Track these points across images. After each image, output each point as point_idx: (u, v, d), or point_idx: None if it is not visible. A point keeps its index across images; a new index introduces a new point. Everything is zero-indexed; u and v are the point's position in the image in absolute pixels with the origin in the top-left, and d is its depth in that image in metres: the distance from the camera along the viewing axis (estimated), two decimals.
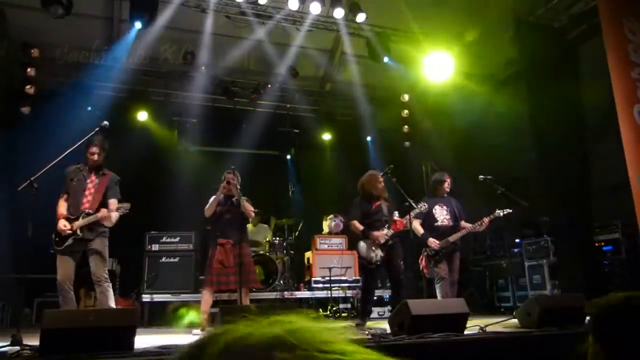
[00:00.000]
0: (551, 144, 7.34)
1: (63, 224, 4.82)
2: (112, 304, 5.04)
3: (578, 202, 7.16)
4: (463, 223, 6.30)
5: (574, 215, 7.12)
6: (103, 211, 4.91)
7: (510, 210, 6.14)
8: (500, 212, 6.07)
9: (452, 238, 6.14)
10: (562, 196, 7.18)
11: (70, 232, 4.82)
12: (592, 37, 7.44)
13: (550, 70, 7.52)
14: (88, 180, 5.03)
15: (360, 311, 5.98)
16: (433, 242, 6.04)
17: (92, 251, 4.92)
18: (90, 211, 4.91)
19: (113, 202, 5.06)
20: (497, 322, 4.86)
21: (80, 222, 4.87)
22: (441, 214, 6.23)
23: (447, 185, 6.35)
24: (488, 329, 4.42)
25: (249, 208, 5.82)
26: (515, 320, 4.86)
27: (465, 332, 4.16)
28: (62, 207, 4.96)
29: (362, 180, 6.11)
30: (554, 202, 7.30)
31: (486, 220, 6.11)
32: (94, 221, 4.90)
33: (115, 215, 4.97)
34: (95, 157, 5.06)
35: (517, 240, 8.67)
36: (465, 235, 6.30)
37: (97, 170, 5.10)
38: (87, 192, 4.98)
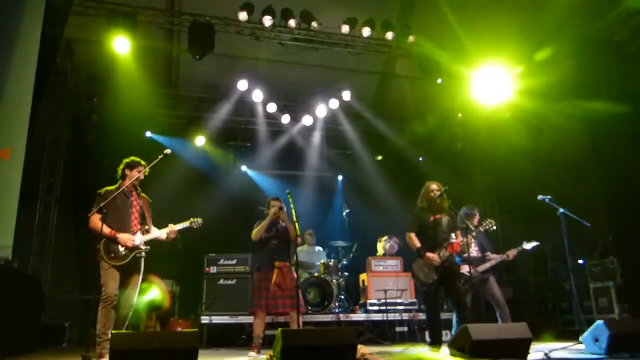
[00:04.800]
0: (615, 159, 7.05)
1: (130, 239, 4.85)
2: None
3: None
4: (490, 254, 6.43)
5: None
6: (172, 227, 5.12)
7: (538, 244, 6.31)
8: (527, 245, 6.28)
9: (481, 268, 6.28)
10: (628, 214, 6.85)
11: (134, 246, 4.86)
12: None
13: (611, 85, 7.26)
14: (132, 199, 5.07)
15: (430, 338, 5.51)
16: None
17: (141, 260, 4.97)
18: (149, 228, 5.07)
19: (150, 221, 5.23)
20: (563, 348, 4.69)
21: (145, 237, 4.98)
22: (471, 246, 6.12)
23: (476, 220, 6.36)
24: (553, 354, 4.27)
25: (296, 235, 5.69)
26: (582, 346, 4.66)
27: (529, 358, 4.04)
28: (103, 225, 4.73)
29: (421, 190, 5.94)
30: (619, 220, 6.97)
31: (512, 252, 6.31)
32: (154, 238, 5.06)
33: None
34: (143, 176, 5.15)
35: (580, 262, 8.33)
36: (512, 261, 6.44)
37: (136, 190, 5.17)
38: (133, 210, 5.04)
